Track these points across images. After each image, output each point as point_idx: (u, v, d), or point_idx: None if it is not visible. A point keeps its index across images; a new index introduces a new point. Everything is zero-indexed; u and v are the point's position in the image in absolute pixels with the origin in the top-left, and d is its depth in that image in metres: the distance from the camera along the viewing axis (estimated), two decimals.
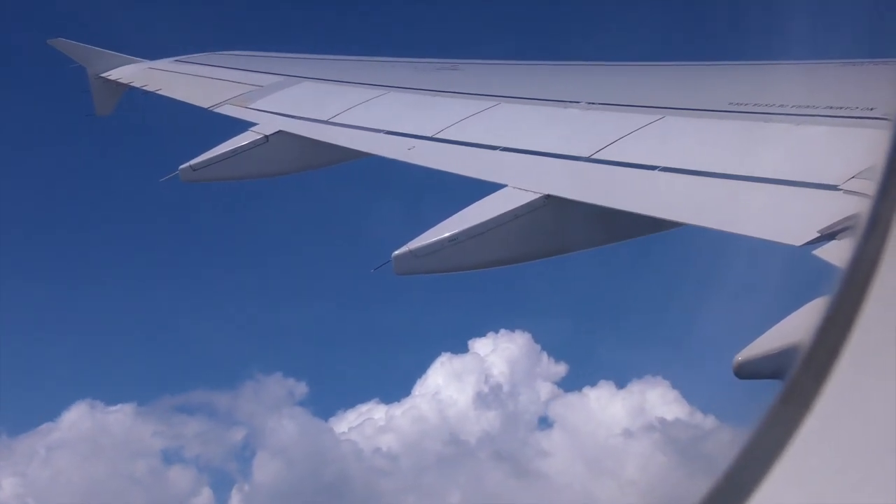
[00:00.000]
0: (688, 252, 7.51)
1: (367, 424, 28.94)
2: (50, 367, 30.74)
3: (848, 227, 4.86)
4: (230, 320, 32.96)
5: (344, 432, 28.95)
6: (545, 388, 29.61)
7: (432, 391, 29.31)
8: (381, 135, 9.21)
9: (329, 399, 32.61)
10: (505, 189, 7.08)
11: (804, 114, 6.43)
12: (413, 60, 12.51)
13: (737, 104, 7.11)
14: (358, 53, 13.99)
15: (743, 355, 4.59)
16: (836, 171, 5.40)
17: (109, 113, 16.07)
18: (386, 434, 28.61)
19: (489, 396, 29.62)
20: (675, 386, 26.57)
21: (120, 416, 29.76)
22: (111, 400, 29.80)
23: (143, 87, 14.50)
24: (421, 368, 30.34)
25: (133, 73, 15.41)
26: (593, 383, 28.56)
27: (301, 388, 30.10)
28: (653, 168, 6.52)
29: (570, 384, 29.38)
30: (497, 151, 7.88)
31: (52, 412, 30.82)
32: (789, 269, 5.53)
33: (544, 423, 28.90)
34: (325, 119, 10.14)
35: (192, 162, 10.32)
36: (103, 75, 15.73)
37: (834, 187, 5.28)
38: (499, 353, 29.82)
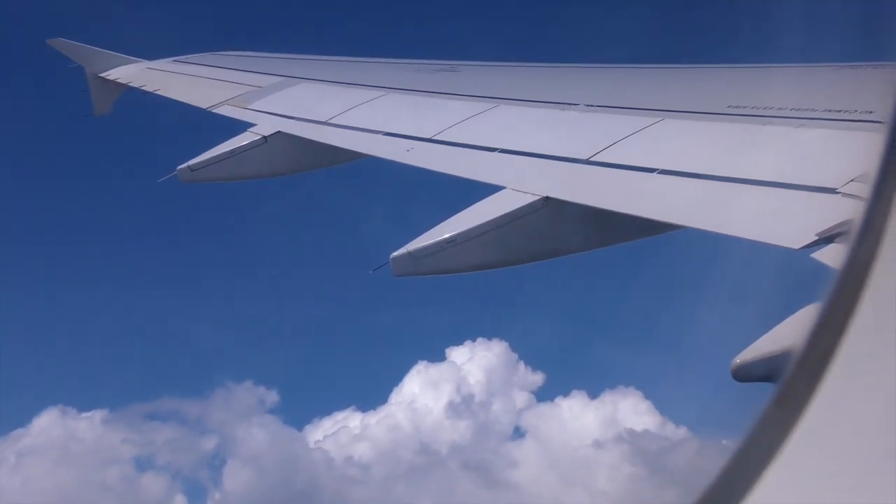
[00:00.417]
0: (685, 255, 7.52)
1: (343, 433, 28.97)
2: (20, 372, 30.38)
3: (846, 230, 4.86)
4: (215, 324, 32.92)
5: (319, 440, 28.96)
6: (520, 398, 29.70)
7: (408, 400, 29.35)
8: (380, 136, 9.21)
9: (305, 406, 32.57)
10: (503, 191, 7.08)
11: (803, 117, 6.43)
12: (412, 62, 12.51)
13: (735, 107, 7.11)
14: (357, 55, 13.98)
15: (741, 358, 4.59)
16: (835, 174, 5.40)
17: (108, 113, 16.07)
18: (360, 442, 28.61)
19: (463, 406, 29.68)
20: (647, 396, 26.77)
21: (92, 423, 29.67)
22: (81, 406, 29.76)
23: (142, 87, 14.49)
24: (398, 376, 30.41)
25: (132, 73, 15.40)
26: (568, 393, 28.67)
27: (273, 396, 30.14)
28: (651, 170, 6.52)
29: (547, 393, 29.47)
30: (496, 153, 7.88)
31: (22, 418, 30.67)
32: (787, 272, 5.53)
33: (517, 432, 28.98)
34: (324, 120, 10.14)
35: (191, 162, 10.32)
36: (102, 75, 15.73)
37: (832, 190, 5.28)
38: (475, 361, 29.89)
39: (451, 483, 27.54)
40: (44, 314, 33.60)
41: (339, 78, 12.01)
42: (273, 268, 32.77)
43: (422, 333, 32.70)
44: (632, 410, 27.62)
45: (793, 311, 4.46)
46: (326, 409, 31.41)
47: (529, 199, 6.82)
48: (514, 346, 29.58)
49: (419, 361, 30.06)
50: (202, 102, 12.31)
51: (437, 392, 29.29)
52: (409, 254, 6.91)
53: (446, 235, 6.91)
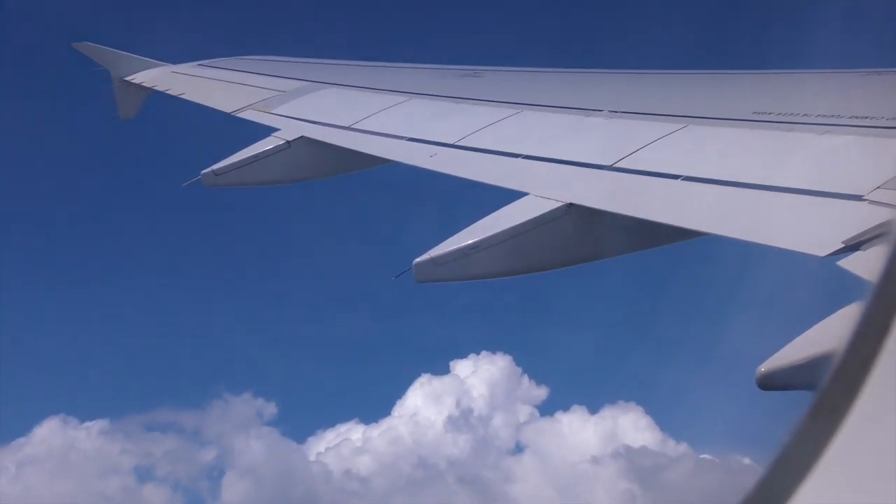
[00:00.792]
0: (709, 262, 7.49)
1: (345, 445, 29.03)
2: (21, 380, 30.23)
3: (873, 237, 4.83)
4: (224, 333, 33.01)
5: (321, 452, 29.03)
6: (523, 412, 29.67)
7: (411, 412, 29.36)
8: (404, 141, 9.21)
9: (309, 418, 32.62)
10: (527, 197, 7.06)
11: (828, 123, 6.39)
12: (436, 67, 12.51)
13: (761, 113, 7.08)
14: (381, 59, 13.99)
15: (767, 366, 4.56)
16: (862, 181, 5.37)
17: (133, 116, 16.15)
18: (362, 455, 28.66)
19: (463, 420, 29.68)
20: (649, 412, 26.76)
21: (92, 433, 29.69)
22: (82, 415, 29.76)
23: (167, 91, 14.55)
24: (403, 388, 30.42)
25: (157, 76, 15.46)
26: (569, 407, 28.63)
27: (271, 409, 30.21)
28: (676, 177, 6.50)
29: (551, 407, 29.42)
30: (519, 159, 7.87)
31: (23, 427, 30.51)
32: (813, 280, 5.50)
33: (517, 447, 28.96)
34: (348, 125, 10.16)
35: (215, 167, 10.34)
36: (127, 79, 15.80)
37: (859, 197, 5.24)
38: (479, 375, 29.88)
39: (448, 498, 27.60)
40: (47, 319, 33.64)
41: (363, 83, 12.03)
42: (288, 275, 32.80)
43: (428, 345, 32.72)
44: (632, 426, 27.68)
45: (819, 319, 4.44)
46: (330, 421, 31.50)
47: (553, 205, 6.80)
48: (518, 360, 29.64)
49: (423, 374, 30.16)
50: (226, 107, 12.35)
51: (440, 405, 29.37)
52: (432, 260, 6.90)
53: (469, 241, 6.90)
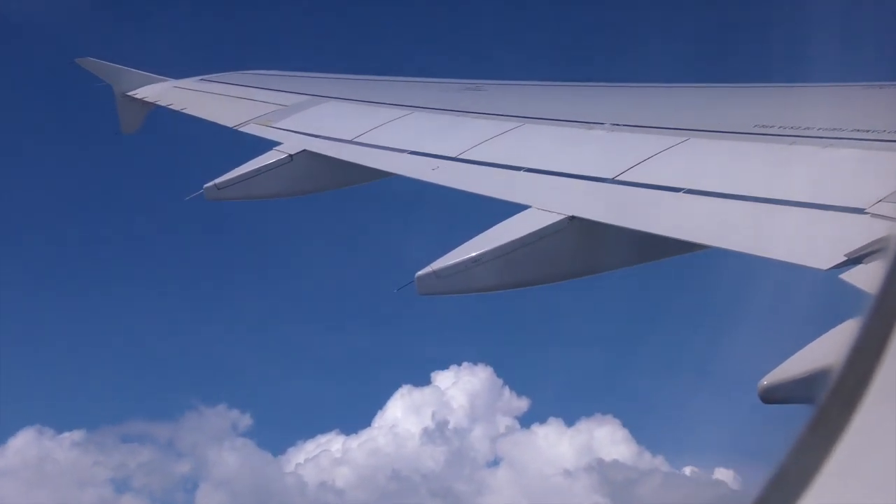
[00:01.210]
0: (711, 275, 7.48)
1: (324, 456, 29.09)
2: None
3: (875, 250, 4.82)
4: (212, 344, 33.03)
5: (300, 463, 29.11)
6: (501, 424, 29.73)
7: (390, 424, 29.36)
8: (406, 155, 9.22)
9: (290, 429, 32.60)
10: (529, 210, 7.06)
11: (831, 136, 6.39)
12: (438, 81, 12.52)
13: (763, 126, 7.08)
14: (383, 73, 14.01)
15: (769, 379, 4.55)
16: (863, 194, 5.37)
17: (135, 131, 16.17)
18: (341, 467, 28.69)
19: (440, 432, 29.70)
20: (625, 425, 26.81)
21: (69, 444, 29.65)
22: (58, 426, 29.73)
23: (169, 106, 14.58)
24: (384, 399, 30.44)
25: (159, 91, 15.49)
26: (546, 420, 28.64)
27: (247, 420, 30.24)
28: (677, 190, 6.50)
29: (531, 419, 29.46)
30: (521, 172, 7.87)
31: None
32: (815, 293, 5.49)
33: (493, 459, 28.97)
34: (350, 139, 10.16)
35: (217, 180, 10.35)
36: (129, 94, 15.83)
37: (861, 210, 5.24)
38: (459, 386, 29.92)
39: None
40: (24, 329, 33.62)
41: (364, 97, 12.04)
42: (281, 288, 32.90)
43: (411, 356, 32.78)
44: (609, 439, 27.71)
45: (821, 333, 4.43)
46: (311, 432, 31.54)
47: (555, 218, 6.80)
48: (499, 372, 29.69)
49: (403, 385, 30.16)
50: (228, 121, 12.36)
51: (419, 417, 29.41)
52: (435, 272, 6.89)
53: (471, 254, 6.90)
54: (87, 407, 32.09)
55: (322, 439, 29.66)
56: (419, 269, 6.95)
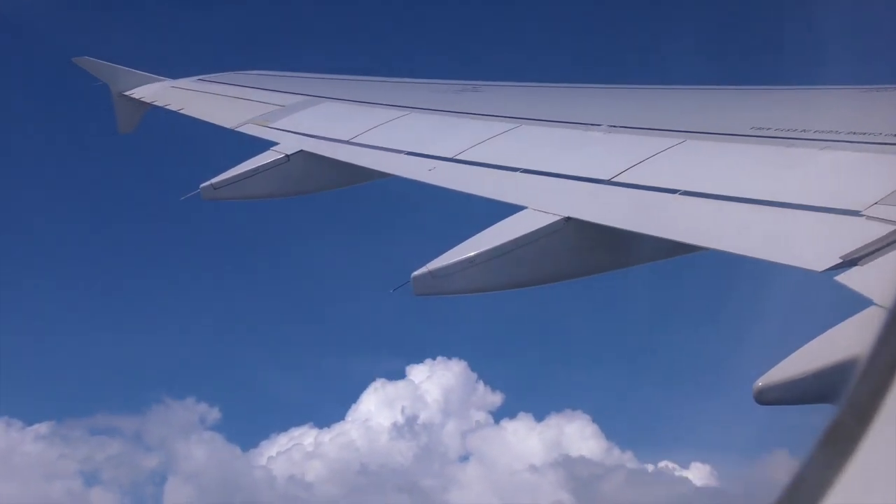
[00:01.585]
0: (707, 277, 7.48)
1: (296, 450, 29.18)
2: None
3: (871, 252, 4.82)
4: (200, 342, 33.03)
5: (273, 456, 29.26)
6: (475, 418, 29.80)
7: (364, 417, 29.41)
8: (402, 155, 9.21)
9: (267, 421, 32.66)
10: (525, 211, 7.05)
11: (827, 139, 6.39)
12: (435, 81, 12.52)
13: (759, 128, 7.08)
14: (380, 74, 14.02)
15: (764, 381, 4.55)
16: (860, 196, 5.37)
17: (132, 131, 16.17)
18: (313, 460, 28.77)
19: (409, 427, 29.77)
20: (595, 420, 26.88)
21: (37, 436, 29.69)
22: (27, 419, 29.80)
23: (166, 106, 14.58)
24: (358, 392, 30.48)
25: (156, 91, 15.49)
26: (517, 415, 28.67)
27: (215, 414, 30.34)
28: (674, 192, 6.49)
29: (504, 414, 29.49)
30: (518, 173, 7.86)
31: None
32: (811, 295, 5.50)
33: (464, 454, 29.01)
34: (347, 139, 10.16)
35: (214, 180, 10.34)
36: (126, 93, 15.83)
37: (857, 213, 5.24)
38: (434, 380, 29.97)
39: None
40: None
41: (361, 97, 12.04)
42: (272, 286, 32.97)
43: (388, 348, 32.88)
44: (578, 434, 27.76)
45: (816, 334, 4.43)
46: (285, 425, 31.56)
47: (551, 219, 6.80)
48: (473, 366, 29.72)
49: (378, 378, 30.20)
50: (225, 121, 12.36)
51: (392, 410, 29.50)
52: (430, 273, 6.89)
53: (467, 255, 6.89)
54: (56, 399, 32.08)
55: (296, 432, 29.79)
56: (415, 270, 6.95)
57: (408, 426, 29.67)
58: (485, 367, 30.05)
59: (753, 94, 9.13)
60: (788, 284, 5.61)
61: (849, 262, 4.87)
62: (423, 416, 29.72)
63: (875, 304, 4.23)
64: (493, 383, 29.74)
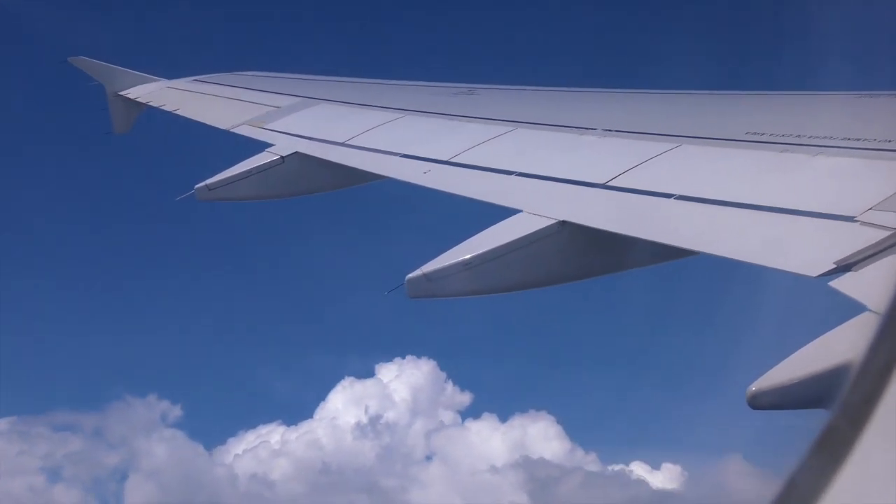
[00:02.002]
0: (701, 281, 7.49)
1: (262, 448, 29.18)
2: None
3: (865, 258, 4.83)
4: (182, 339, 32.99)
5: (239, 454, 29.24)
6: (441, 418, 29.80)
7: (331, 416, 29.38)
8: (398, 158, 9.21)
9: (235, 419, 32.60)
10: (520, 214, 7.06)
11: (822, 144, 6.41)
12: (430, 84, 12.53)
13: (754, 134, 7.09)
14: (376, 76, 14.02)
15: (757, 386, 4.55)
16: (854, 202, 5.38)
17: (127, 131, 16.14)
18: (279, 458, 28.75)
19: (373, 426, 29.79)
20: (560, 422, 26.90)
21: None
22: None
23: (161, 107, 14.56)
24: (327, 390, 30.47)
25: (151, 91, 15.47)
26: (481, 415, 28.67)
27: (177, 411, 30.36)
28: (668, 196, 6.50)
29: (471, 414, 29.49)
30: (513, 177, 7.87)
31: None
32: (804, 300, 5.50)
33: (429, 454, 29.00)
34: (342, 141, 10.16)
35: (209, 181, 10.34)
36: (122, 93, 15.82)
37: (851, 218, 5.25)
38: (402, 379, 30.00)
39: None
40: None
41: (357, 99, 12.04)
42: (267, 286, 32.97)
43: (357, 347, 32.87)
44: (542, 435, 27.78)
45: (810, 339, 4.44)
46: (253, 423, 31.52)
47: (546, 222, 6.80)
48: (442, 365, 29.72)
49: (346, 377, 30.20)
50: (221, 122, 12.35)
51: (358, 409, 29.53)
52: (425, 276, 6.89)
53: (462, 258, 6.89)
54: (16, 395, 31.92)
55: (264, 430, 29.73)
56: (410, 272, 6.95)
57: (371, 425, 29.72)
58: (453, 367, 30.10)
59: (748, 99, 9.15)
60: (782, 289, 5.61)
61: (843, 267, 4.88)
62: (388, 416, 29.75)
63: (869, 310, 4.24)
64: (461, 383, 29.74)
